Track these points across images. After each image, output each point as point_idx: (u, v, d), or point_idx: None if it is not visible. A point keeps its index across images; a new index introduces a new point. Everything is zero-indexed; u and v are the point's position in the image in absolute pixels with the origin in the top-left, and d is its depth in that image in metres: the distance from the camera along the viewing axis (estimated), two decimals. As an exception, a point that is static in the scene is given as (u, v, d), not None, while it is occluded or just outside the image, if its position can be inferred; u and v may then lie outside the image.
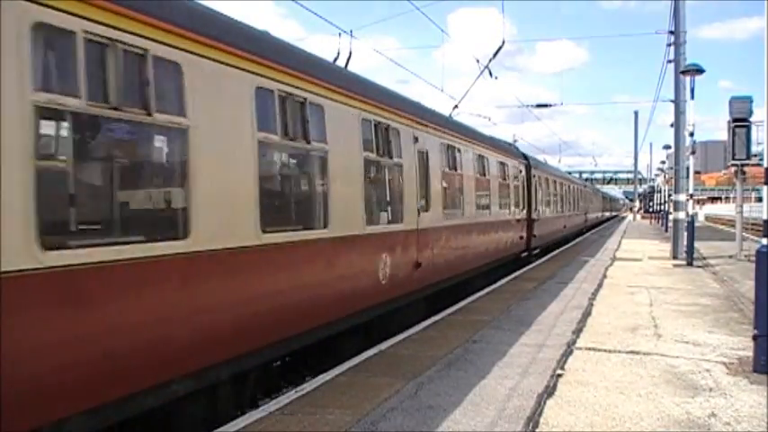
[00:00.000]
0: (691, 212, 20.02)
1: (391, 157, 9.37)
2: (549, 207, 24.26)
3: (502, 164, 16.43)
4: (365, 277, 8.41)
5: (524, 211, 18.64)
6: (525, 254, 19.12)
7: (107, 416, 4.44)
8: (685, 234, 19.33)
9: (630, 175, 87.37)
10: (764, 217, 7.29)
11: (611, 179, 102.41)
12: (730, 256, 20.39)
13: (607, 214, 68.43)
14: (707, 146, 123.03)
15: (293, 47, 7.41)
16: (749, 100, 18.25)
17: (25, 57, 3.84)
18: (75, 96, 4.17)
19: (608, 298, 12.25)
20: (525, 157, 20.97)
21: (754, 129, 18.94)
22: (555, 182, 26.62)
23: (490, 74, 20.70)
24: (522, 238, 18.21)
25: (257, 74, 6.04)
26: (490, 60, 20.55)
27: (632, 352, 7.87)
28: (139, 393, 4.68)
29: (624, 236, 35.56)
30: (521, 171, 18.74)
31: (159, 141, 5.30)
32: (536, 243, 20.12)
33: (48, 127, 4.23)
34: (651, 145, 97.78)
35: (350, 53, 10.75)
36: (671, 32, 21.18)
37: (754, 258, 7.53)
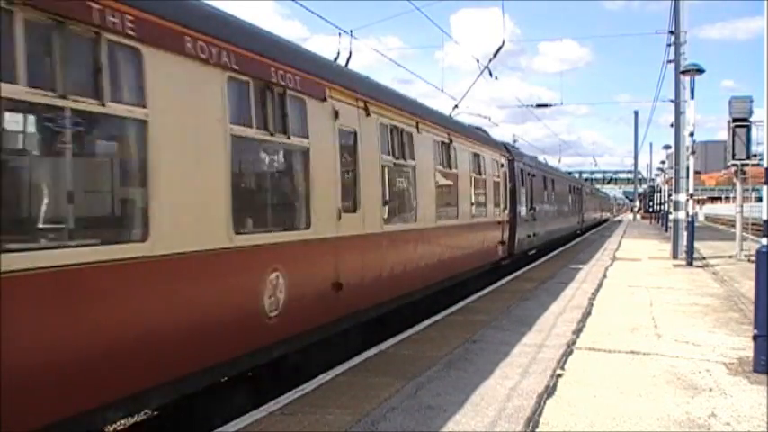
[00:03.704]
0: (691, 212, 20.01)
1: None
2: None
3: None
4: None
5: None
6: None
7: None
8: (685, 234, 19.32)
9: (630, 176, 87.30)
10: (764, 217, 7.28)
11: (611, 179, 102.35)
12: (730, 256, 20.39)
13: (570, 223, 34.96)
14: (707, 146, 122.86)
15: None
16: (749, 100, 18.24)
17: None
18: None
19: (608, 298, 12.25)
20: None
21: (754, 129, 18.89)
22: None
23: (490, 74, 20.75)
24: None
25: None
26: (490, 60, 20.71)
27: (632, 352, 7.87)
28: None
29: (624, 236, 35.61)
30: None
31: None
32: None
33: None
34: (651, 145, 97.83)
35: (350, 53, 10.83)
36: (671, 32, 21.19)
37: (754, 258, 7.53)
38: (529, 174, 20.16)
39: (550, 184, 25.62)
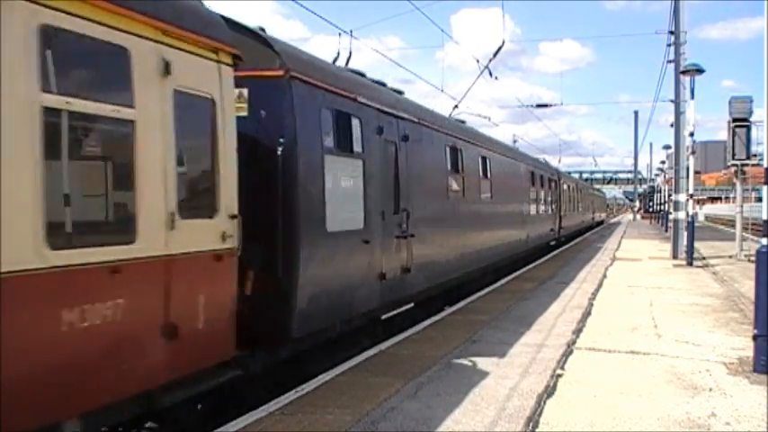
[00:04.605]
0: (691, 212, 20.02)
1: None
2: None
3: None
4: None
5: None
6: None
7: None
8: (685, 234, 19.33)
9: (630, 176, 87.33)
10: (764, 217, 7.29)
11: (612, 179, 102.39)
12: (730, 256, 20.39)
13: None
14: (707, 146, 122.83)
15: None
16: (749, 100, 18.25)
17: None
18: None
19: (608, 298, 12.25)
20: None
21: (754, 129, 18.91)
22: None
23: (490, 74, 20.72)
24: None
25: None
26: (490, 60, 20.60)
27: (632, 352, 7.87)
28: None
29: (624, 236, 35.63)
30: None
31: None
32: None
33: None
34: (651, 145, 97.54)
35: (350, 53, 10.77)
36: (671, 32, 21.19)
37: (754, 258, 7.53)
38: (391, 130, 8.97)
39: (478, 164, 13.95)
